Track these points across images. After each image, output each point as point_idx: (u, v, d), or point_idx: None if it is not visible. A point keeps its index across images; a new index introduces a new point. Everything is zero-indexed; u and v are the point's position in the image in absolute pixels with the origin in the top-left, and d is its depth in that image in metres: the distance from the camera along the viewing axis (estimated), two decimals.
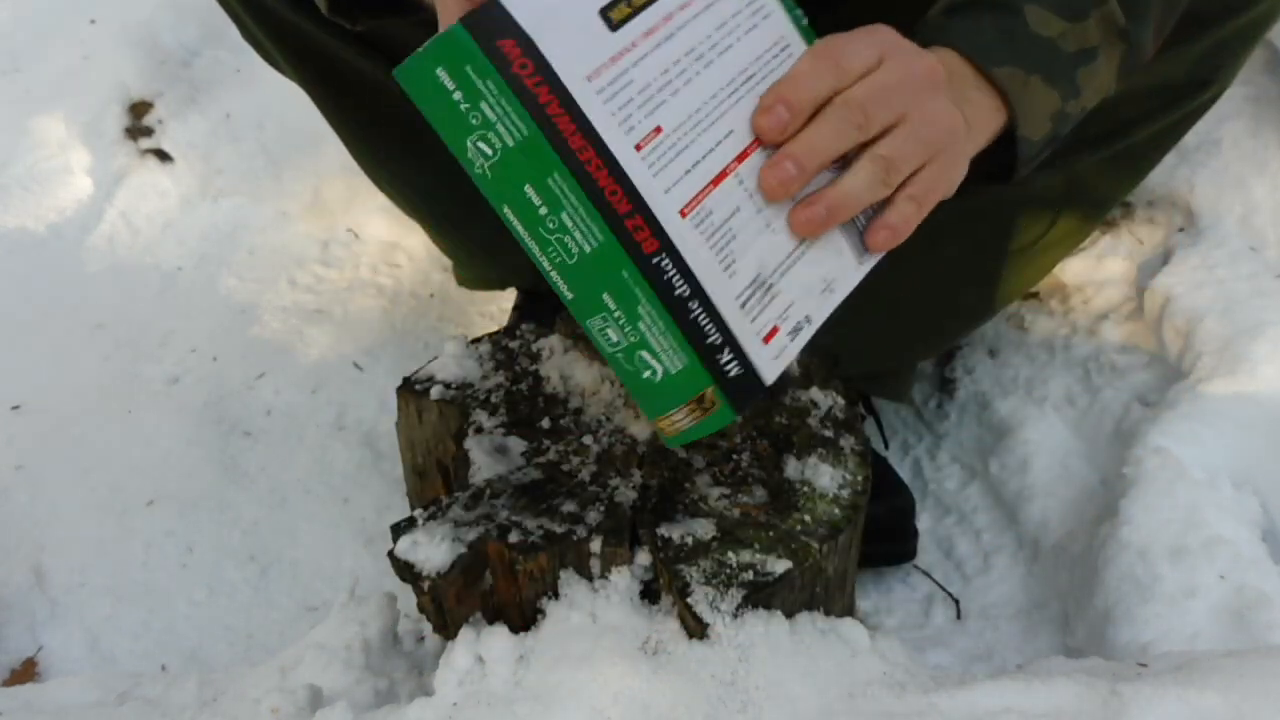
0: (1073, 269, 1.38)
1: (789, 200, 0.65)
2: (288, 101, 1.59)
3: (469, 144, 0.59)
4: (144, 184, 1.71)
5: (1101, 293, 1.35)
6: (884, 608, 1.13)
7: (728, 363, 0.64)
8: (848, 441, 0.83)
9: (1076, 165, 0.97)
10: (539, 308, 1.36)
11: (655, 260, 0.60)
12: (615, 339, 0.64)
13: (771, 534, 0.75)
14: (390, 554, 0.74)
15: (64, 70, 1.87)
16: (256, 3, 0.99)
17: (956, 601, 1.12)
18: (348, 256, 1.59)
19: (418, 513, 0.77)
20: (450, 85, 0.58)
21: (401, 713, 0.71)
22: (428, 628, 0.85)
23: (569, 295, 0.63)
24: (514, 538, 0.74)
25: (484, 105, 0.58)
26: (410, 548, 0.74)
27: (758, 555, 0.73)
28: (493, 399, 0.87)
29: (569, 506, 0.77)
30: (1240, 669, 0.70)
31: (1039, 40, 0.72)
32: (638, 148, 0.60)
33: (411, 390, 0.89)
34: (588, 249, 0.60)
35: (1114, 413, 1.20)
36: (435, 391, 0.88)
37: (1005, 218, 1.05)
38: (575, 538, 0.74)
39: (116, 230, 1.67)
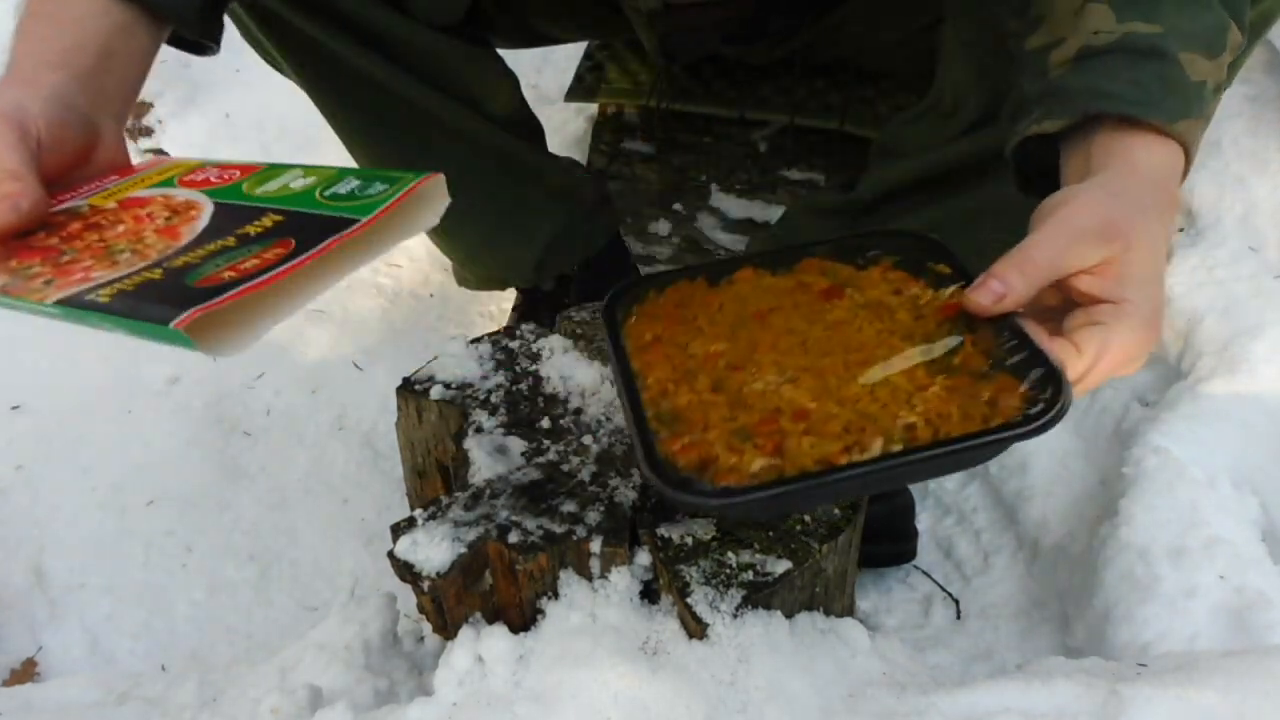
0: None
1: None
2: (288, 101, 1.59)
3: None
4: None
5: None
6: (884, 608, 1.13)
7: None
8: None
9: None
10: (539, 308, 1.36)
11: None
12: None
13: (771, 534, 0.75)
14: (390, 554, 0.74)
15: None
16: (257, 4, 0.99)
17: (956, 601, 1.12)
18: None
19: (418, 513, 0.77)
20: None
21: (401, 713, 0.71)
22: (428, 628, 0.85)
23: None
24: (514, 538, 0.74)
25: None
26: (410, 548, 0.74)
27: (757, 555, 0.73)
28: (493, 399, 0.87)
29: (569, 506, 0.77)
30: (1240, 669, 0.70)
31: (1199, 87, 0.69)
32: None
33: (411, 390, 0.89)
34: None
35: (1114, 413, 1.20)
36: (435, 391, 0.88)
37: (1006, 218, 1.05)
38: (575, 538, 0.74)
39: None
